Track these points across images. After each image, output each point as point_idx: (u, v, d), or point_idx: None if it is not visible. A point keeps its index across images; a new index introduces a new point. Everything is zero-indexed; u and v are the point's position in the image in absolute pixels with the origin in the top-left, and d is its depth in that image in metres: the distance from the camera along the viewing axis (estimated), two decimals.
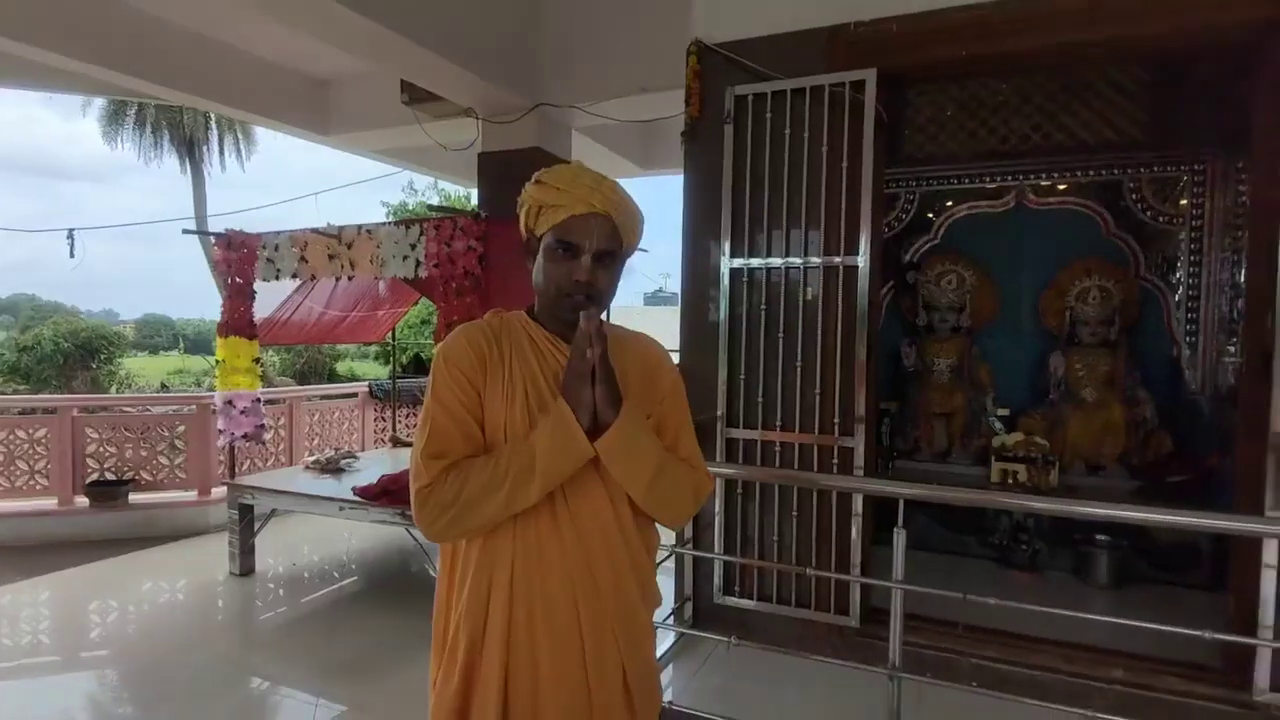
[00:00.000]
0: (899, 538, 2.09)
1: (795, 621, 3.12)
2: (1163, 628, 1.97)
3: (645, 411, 1.27)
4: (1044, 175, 4.53)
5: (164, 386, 17.17)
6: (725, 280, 3.19)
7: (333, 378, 17.35)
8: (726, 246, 3.19)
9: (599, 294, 1.23)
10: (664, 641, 3.14)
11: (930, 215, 4.84)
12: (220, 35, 5.06)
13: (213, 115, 17.85)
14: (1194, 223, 4.21)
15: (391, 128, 5.63)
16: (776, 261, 3.11)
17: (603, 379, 1.17)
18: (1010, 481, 4.00)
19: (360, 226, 3.93)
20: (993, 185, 4.66)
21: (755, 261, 3.15)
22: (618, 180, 1.28)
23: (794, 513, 3.09)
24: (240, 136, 19.34)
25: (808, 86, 3.02)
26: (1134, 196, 4.35)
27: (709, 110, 3.26)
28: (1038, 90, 4.40)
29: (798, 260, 3.08)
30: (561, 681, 1.19)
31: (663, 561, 3.07)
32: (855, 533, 2.98)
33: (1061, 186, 4.53)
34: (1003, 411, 4.44)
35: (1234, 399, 3.32)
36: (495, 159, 4.97)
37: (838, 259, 2.99)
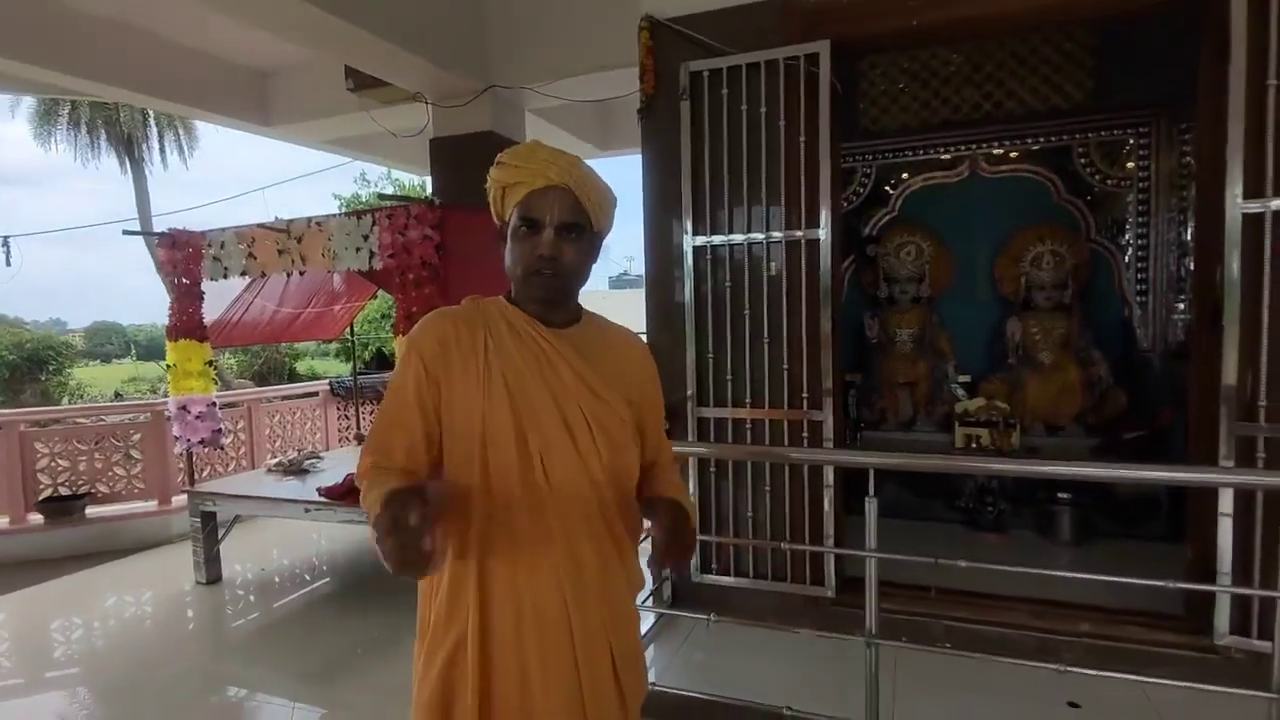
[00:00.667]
0: (871, 507, 2.11)
1: (773, 595, 3.15)
2: (1126, 580, 2.02)
3: (628, 398, 1.27)
4: (996, 144, 4.60)
5: (118, 395, 16.64)
6: (689, 259, 3.17)
7: (293, 377, 16.98)
8: (688, 224, 3.16)
9: (565, 270, 1.20)
10: (644, 623, 3.14)
11: (887, 188, 4.88)
12: (152, 26, 4.83)
13: (151, 112, 17.16)
14: (1141, 184, 4.32)
15: (337, 116, 5.45)
16: (739, 238, 3.10)
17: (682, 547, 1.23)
18: (974, 446, 4.08)
19: (310, 219, 3.81)
20: (947, 156, 4.72)
21: (718, 239, 3.14)
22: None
23: (767, 488, 3.11)
24: (181, 133, 18.60)
25: (762, 60, 2.99)
26: (1082, 161, 4.44)
27: (664, 87, 3.21)
28: (988, 59, 4.45)
29: (760, 236, 3.07)
30: (550, 667, 1.17)
31: (640, 543, 3.07)
32: (828, 504, 3.01)
33: (1013, 154, 4.60)
34: (964, 378, 4.53)
35: (1185, 355, 3.43)
36: (447, 144, 4.86)
37: (799, 233, 2.99)
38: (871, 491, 2.11)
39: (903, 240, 4.75)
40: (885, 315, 4.79)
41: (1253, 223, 2.39)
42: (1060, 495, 3.94)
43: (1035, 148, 4.54)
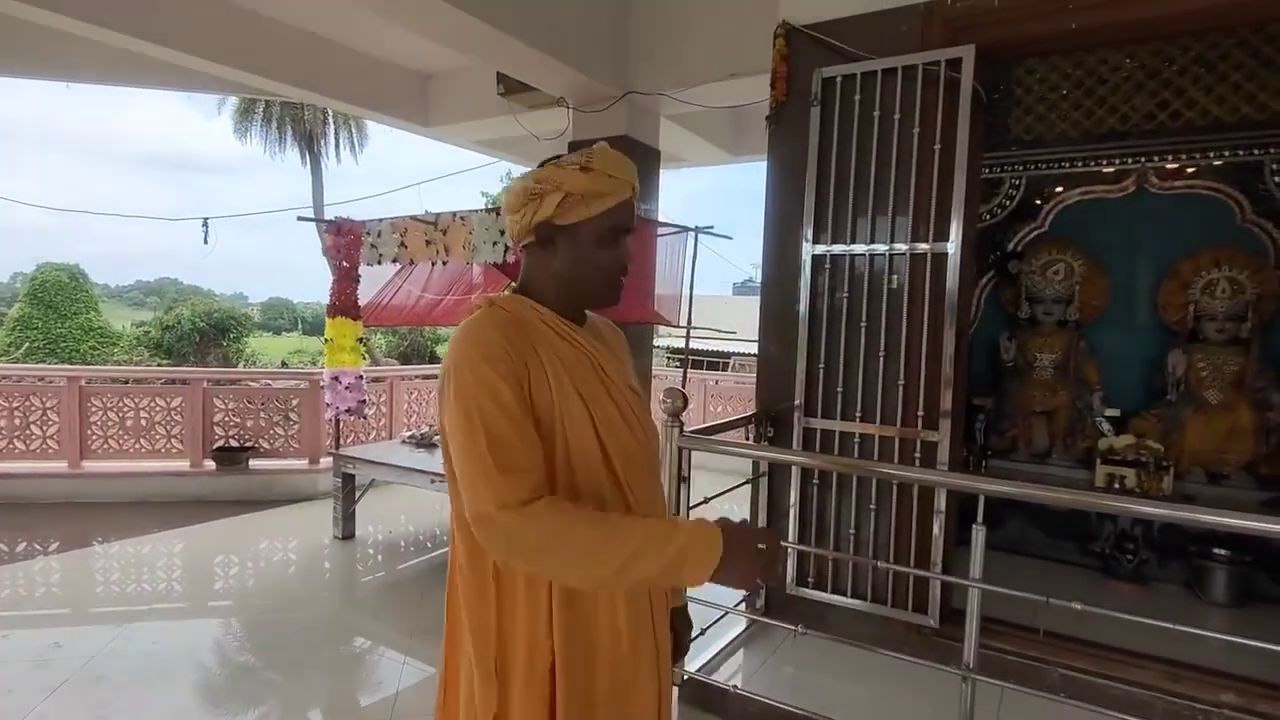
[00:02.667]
0: (978, 535, 2.00)
1: (872, 618, 3.05)
2: (1270, 646, 1.80)
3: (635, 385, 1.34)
4: (1170, 157, 4.16)
5: (284, 364, 18.58)
6: (806, 267, 3.13)
7: (434, 359, 18.24)
8: (809, 232, 3.12)
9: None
10: (734, 627, 3.15)
11: (1038, 201, 4.55)
12: (331, 34, 5.39)
13: (330, 112, 19.00)
14: None
15: (487, 119, 5.83)
16: (860, 248, 3.03)
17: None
18: (1117, 487, 3.74)
19: (455, 213, 4.11)
20: (1110, 169, 4.33)
21: (838, 248, 3.08)
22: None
23: (872, 506, 3.02)
24: (354, 131, 20.50)
25: (899, 66, 2.90)
26: (1277, 179, 3.93)
27: (795, 94, 3.19)
28: (1166, 65, 4.04)
29: (883, 247, 2.98)
30: (638, 625, 1.21)
31: None
32: (937, 529, 2.88)
33: (1190, 169, 4.15)
34: (1112, 412, 4.14)
35: None
36: (584, 147, 5.05)
37: (926, 246, 2.88)
38: (979, 519, 2.01)
39: (1051, 258, 4.42)
40: (1024, 337, 4.48)
41: None
42: (1216, 551, 3.53)
43: (1218, 163, 4.07)
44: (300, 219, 5.02)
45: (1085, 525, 3.93)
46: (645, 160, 4.82)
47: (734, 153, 6.44)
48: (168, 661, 3.14)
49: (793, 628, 2.38)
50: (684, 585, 1.20)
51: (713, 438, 2.81)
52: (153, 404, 5.86)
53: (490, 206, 4.12)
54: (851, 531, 3.07)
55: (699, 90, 4.65)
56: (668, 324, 4.94)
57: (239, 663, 3.26)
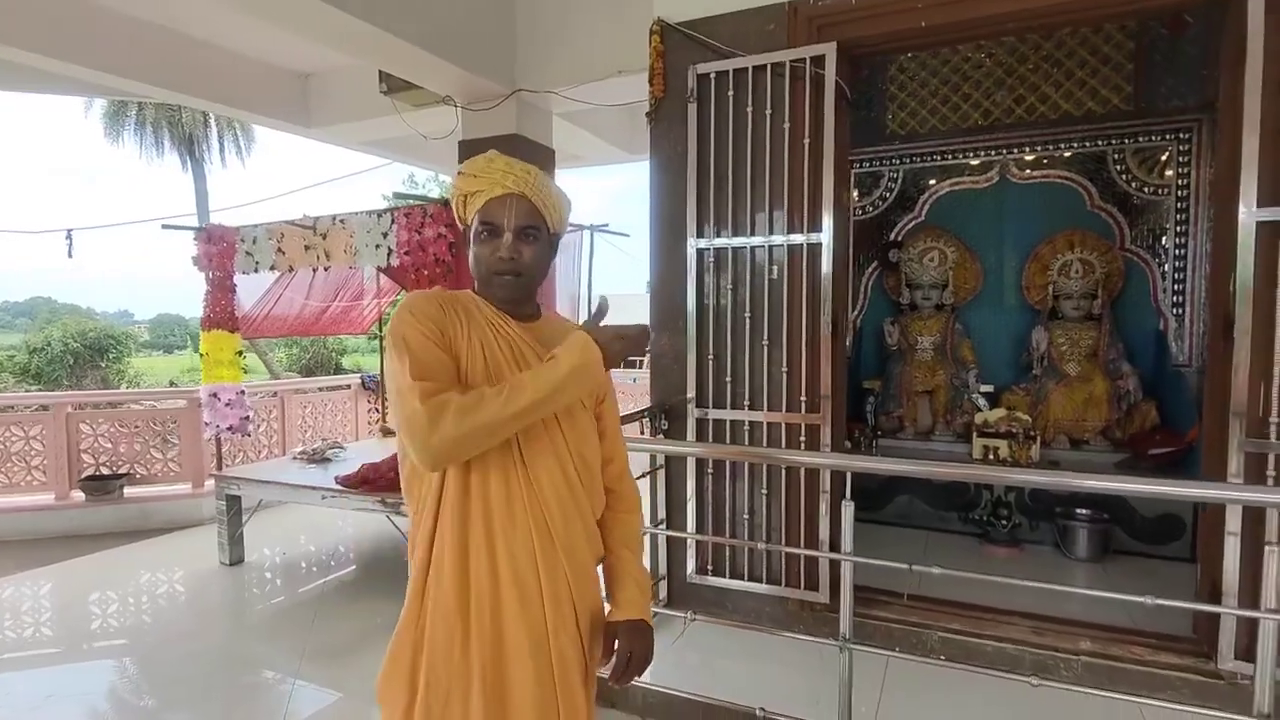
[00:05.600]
0: (846, 510, 2.09)
1: (770, 598, 3.13)
2: (1109, 595, 1.96)
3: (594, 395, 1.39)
4: (1027, 149, 4.48)
5: (172, 384, 17.36)
6: (692, 261, 3.18)
7: (339, 371, 17.51)
8: (692, 226, 3.18)
9: (525, 269, 1.30)
10: None
11: (914, 193, 4.80)
12: (202, 33, 5.06)
13: (211, 114, 17.92)
14: (1180, 193, 4.16)
15: (372, 119, 5.62)
16: (741, 241, 3.10)
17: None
18: (991, 457, 3.99)
19: (335, 216, 3.94)
20: (976, 161, 4.63)
21: (720, 241, 3.14)
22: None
23: (764, 490, 3.10)
24: (240, 134, 19.41)
25: (769, 63, 2.99)
26: (1118, 168, 4.30)
27: (674, 90, 3.24)
28: (1020, 63, 4.35)
29: (762, 239, 3.06)
30: (524, 624, 1.25)
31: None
32: (824, 509, 2.98)
33: (1045, 160, 4.48)
34: (986, 388, 4.42)
35: None
36: (475, 146, 4.92)
37: (800, 237, 2.98)
38: (847, 495, 2.09)
39: (927, 245, 4.68)
40: (906, 321, 4.71)
41: (1268, 231, 2.29)
42: (1079, 511, 3.82)
43: (1068, 154, 4.41)
44: (165, 227, 4.68)
45: (965, 496, 4.18)
46: (538, 159, 4.76)
47: (630, 151, 6.46)
48: (27, 713, 2.87)
49: (683, 614, 2.41)
50: (594, 385, 1.29)
51: None
52: (8, 433, 5.36)
53: (380, 209, 3.97)
54: (746, 516, 3.14)
55: (587, 88, 4.64)
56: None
57: (117, 703, 3.01)
